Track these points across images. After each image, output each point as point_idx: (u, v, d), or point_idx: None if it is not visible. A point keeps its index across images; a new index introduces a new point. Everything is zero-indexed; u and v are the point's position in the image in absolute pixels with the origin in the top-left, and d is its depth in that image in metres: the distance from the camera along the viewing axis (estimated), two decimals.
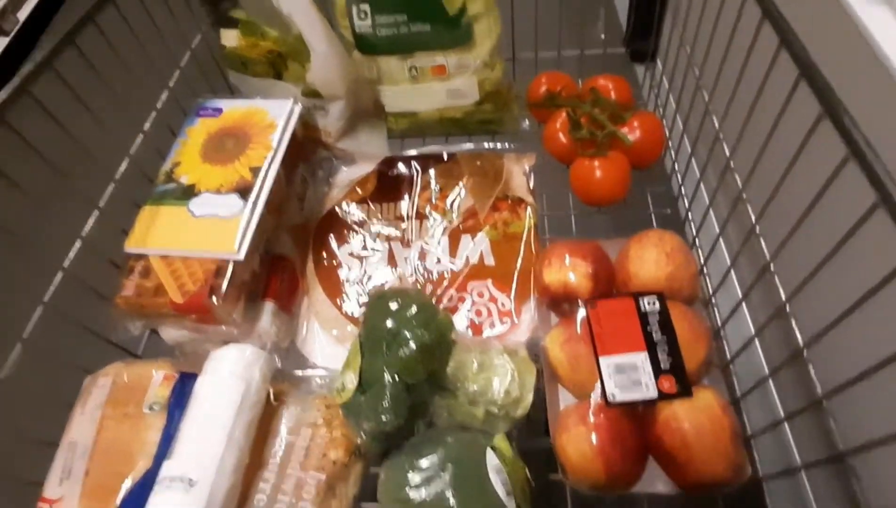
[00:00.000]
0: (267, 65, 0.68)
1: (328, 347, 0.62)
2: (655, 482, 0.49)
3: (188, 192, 0.60)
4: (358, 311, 0.63)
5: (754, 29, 0.44)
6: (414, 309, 0.50)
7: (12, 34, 2.47)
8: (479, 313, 0.61)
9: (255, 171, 0.60)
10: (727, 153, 0.54)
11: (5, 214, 0.48)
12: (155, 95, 0.67)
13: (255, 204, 0.58)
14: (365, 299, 0.63)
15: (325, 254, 0.67)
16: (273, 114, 0.64)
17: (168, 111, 0.68)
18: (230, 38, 0.69)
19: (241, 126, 0.64)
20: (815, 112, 0.33)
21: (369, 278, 0.64)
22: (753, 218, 0.49)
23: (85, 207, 0.58)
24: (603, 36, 0.78)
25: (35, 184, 0.50)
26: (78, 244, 0.56)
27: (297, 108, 0.65)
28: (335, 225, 0.69)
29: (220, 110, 0.66)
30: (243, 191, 0.59)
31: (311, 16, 0.59)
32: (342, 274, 0.65)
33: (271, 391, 0.54)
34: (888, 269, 0.29)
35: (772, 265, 0.46)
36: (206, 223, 0.58)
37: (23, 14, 2.58)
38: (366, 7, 0.65)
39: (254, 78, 0.70)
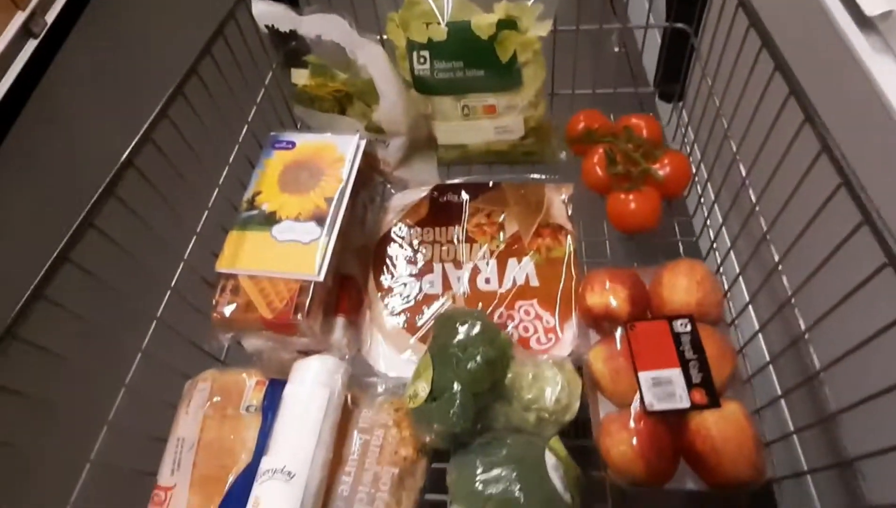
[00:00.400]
0: (333, 101, 0.76)
1: (390, 356, 0.69)
2: (686, 479, 0.57)
3: (270, 219, 0.68)
4: (415, 324, 0.70)
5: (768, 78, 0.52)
6: (479, 327, 0.58)
7: (41, 36, 2.56)
8: (525, 329, 0.68)
9: (328, 201, 0.68)
10: (752, 197, 0.62)
11: (130, 242, 0.56)
12: (236, 129, 0.75)
13: (330, 231, 0.66)
14: (422, 314, 0.71)
15: (384, 273, 0.74)
16: (341, 149, 0.72)
17: (245, 144, 0.75)
18: (300, 77, 0.76)
19: (314, 159, 0.71)
20: (833, 181, 0.41)
21: (425, 295, 0.72)
22: (776, 257, 0.56)
23: (186, 233, 0.66)
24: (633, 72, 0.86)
25: (152, 215, 0.58)
26: (181, 266, 0.64)
27: (363, 143, 0.72)
28: (392, 246, 0.76)
29: (293, 143, 0.73)
30: (319, 219, 0.67)
31: (385, 70, 0.67)
32: (400, 291, 0.73)
33: (349, 396, 0.62)
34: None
35: (792, 299, 0.54)
36: (288, 247, 0.66)
37: (50, 16, 2.66)
38: (425, 53, 0.72)
39: (320, 113, 0.78)
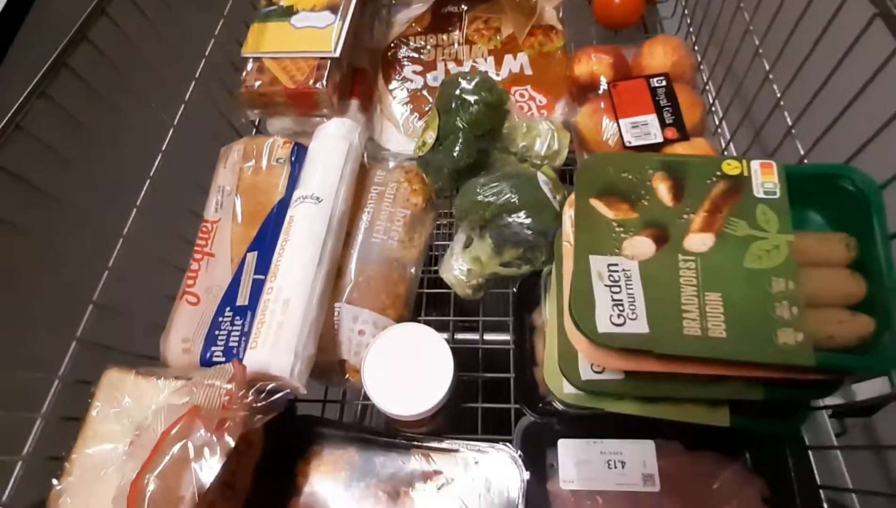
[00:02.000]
0: None
1: (398, 138, 0.78)
2: None
3: (288, 11, 0.75)
4: (421, 110, 0.78)
5: None
6: (479, 78, 0.65)
7: None
8: (521, 108, 0.76)
9: None
10: None
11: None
12: None
13: (343, 16, 0.73)
14: (428, 103, 0.78)
15: (392, 73, 0.82)
16: None
17: None
18: None
19: None
20: None
21: (428, 87, 0.80)
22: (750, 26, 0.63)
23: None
24: None
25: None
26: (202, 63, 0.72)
27: None
28: (399, 50, 0.83)
29: None
30: (333, 8, 0.74)
31: None
32: (407, 85, 0.80)
33: (365, 155, 0.70)
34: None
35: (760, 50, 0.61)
36: (306, 32, 0.73)
37: None
38: None
39: None
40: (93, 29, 0.56)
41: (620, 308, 0.38)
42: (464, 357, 0.61)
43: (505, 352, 0.66)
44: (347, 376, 0.62)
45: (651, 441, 0.55)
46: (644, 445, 0.55)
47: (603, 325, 0.37)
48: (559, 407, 0.54)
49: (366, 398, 0.70)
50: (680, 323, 0.37)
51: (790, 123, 0.53)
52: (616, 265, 0.39)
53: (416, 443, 0.57)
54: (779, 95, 0.55)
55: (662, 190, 0.42)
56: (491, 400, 0.64)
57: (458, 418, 0.63)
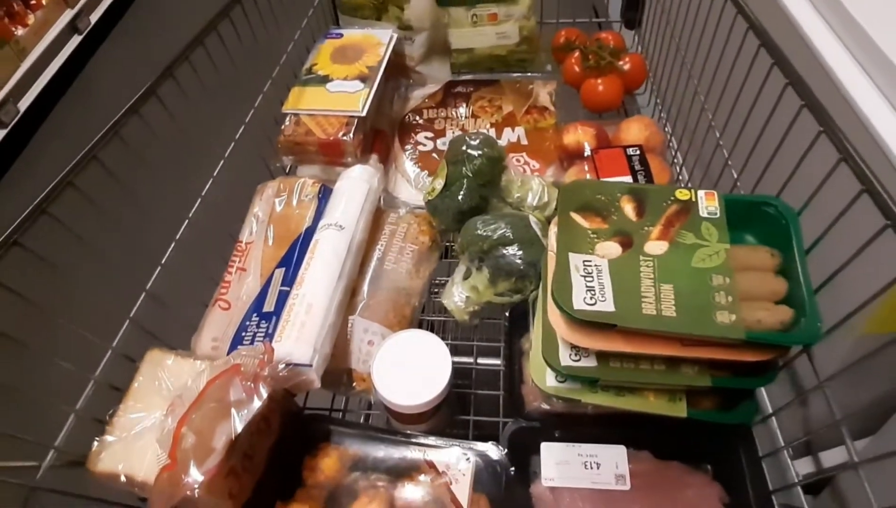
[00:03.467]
0: (372, 9, 0.98)
1: (410, 191, 0.89)
2: None
3: (324, 79, 0.89)
4: (431, 168, 0.90)
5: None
6: (482, 137, 0.78)
7: (85, 33, 2.84)
8: (517, 171, 0.89)
9: (370, 68, 0.89)
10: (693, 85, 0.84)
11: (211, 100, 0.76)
12: (294, 32, 0.97)
13: (371, 84, 0.87)
14: (438, 163, 0.91)
15: (407, 137, 0.95)
16: (379, 37, 0.94)
17: (301, 42, 0.97)
18: None
19: (358, 43, 0.93)
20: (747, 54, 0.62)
21: (438, 151, 0.92)
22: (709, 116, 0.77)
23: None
24: (608, 8, 1.09)
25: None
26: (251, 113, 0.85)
27: (395, 35, 0.94)
28: (414, 119, 0.97)
29: (341, 34, 0.95)
30: (363, 78, 0.88)
31: None
32: (419, 148, 0.93)
33: (381, 199, 0.81)
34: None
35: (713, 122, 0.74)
36: (338, 95, 0.86)
37: (95, 16, 2.96)
38: None
39: (361, 20, 1.00)
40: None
41: (592, 292, 0.47)
42: (459, 376, 0.69)
43: (495, 373, 0.74)
44: (355, 384, 0.70)
45: (623, 447, 0.62)
46: (617, 449, 0.62)
47: (578, 304, 0.46)
48: (544, 407, 0.61)
49: (368, 408, 0.78)
50: (639, 305, 0.46)
51: (735, 176, 0.66)
52: (590, 261, 0.49)
53: (414, 440, 0.63)
54: (727, 156, 0.68)
55: (628, 208, 0.53)
56: (482, 415, 0.71)
57: (452, 427, 0.70)
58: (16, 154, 2.34)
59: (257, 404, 0.47)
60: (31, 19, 2.44)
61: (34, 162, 2.31)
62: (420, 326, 0.78)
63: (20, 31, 2.36)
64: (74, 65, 2.69)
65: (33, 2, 2.47)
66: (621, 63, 0.95)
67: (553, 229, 0.55)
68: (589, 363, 0.52)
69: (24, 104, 2.34)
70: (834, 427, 0.47)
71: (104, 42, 2.83)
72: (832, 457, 0.77)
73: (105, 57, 2.78)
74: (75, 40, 2.69)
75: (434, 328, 0.83)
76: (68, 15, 2.63)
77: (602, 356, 0.51)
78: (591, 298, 0.47)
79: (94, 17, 2.77)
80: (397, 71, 1.02)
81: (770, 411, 0.59)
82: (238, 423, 0.48)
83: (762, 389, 0.63)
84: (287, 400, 0.64)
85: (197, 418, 0.49)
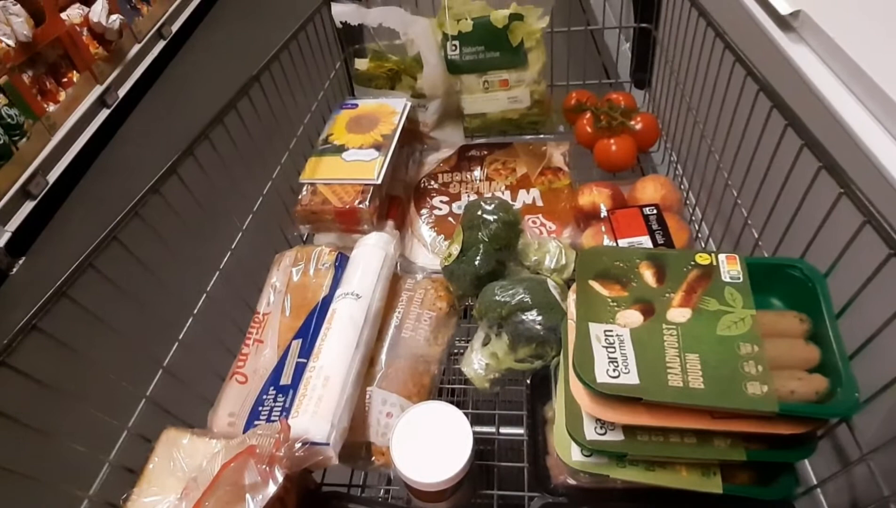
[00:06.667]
0: (385, 79, 1.01)
1: (427, 255, 0.89)
2: None
3: (340, 149, 0.90)
4: (446, 232, 0.90)
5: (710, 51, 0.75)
6: (498, 201, 0.78)
7: (113, 106, 2.98)
8: (532, 233, 0.88)
9: (384, 136, 0.91)
10: (707, 145, 0.84)
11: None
12: (311, 103, 1.00)
13: (386, 153, 0.88)
14: (453, 226, 0.91)
15: (422, 202, 0.96)
16: (394, 106, 0.96)
17: (317, 112, 1.00)
18: (361, 64, 1.02)
19: (373, 112, 0.95)
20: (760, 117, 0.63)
21: (454, 215, 0.93)
22: (725, 175, 0.77)
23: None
24: (617, 69, 1.11)
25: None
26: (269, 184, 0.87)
27: (409, 104, 0.97)
28: (429, 184, 0.98)
29: (356, 105, 0.98)
30: (378, 147, 0.89)
31: (430, 39, 0.92)
32: (435, 212, 0.94)
33: (398, 265, 0.81)
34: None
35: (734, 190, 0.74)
36: (354, 164, 0.88)
37: (122, 90, 3.12)
38: (456, 42, 0.98)
39: (375, 90, 1.03)
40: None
41: (615, 364, 0.45)
42: (481, 446, 0.67)
43: (519, 443, 0.71)
44: (374, 458, 0.68)
45: None
46: None
47: (601, 377, 0.45)
48: (570, 481, 0.59)
49: (388, 483, 0.75)
50: (665, 377, 0.44)
51: (756, 236, 0.64)
52: (611, 331, 0.47)
53: None
54: (746, 215, 0.67)
55: (648, 275, 0.51)
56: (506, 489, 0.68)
57: (475, 505, 0.67)
58: (45, 222, 2.42)
59: (272, 488, 0.46)
60: (62, 96, 2.57)
61: (62, 231, 2.39)
62: (440, 393, 0.76)
63: (51, 108, 2.48)
64: (102, 137, 2.82)
65: (65, 80, 2.60)
66: (633, 123, 0.96)
67: (571, 297, 0.54)
68: (615, 437, 0.49)
69: (52, 176, 2.44)
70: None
71: (130, 115, 2.98)
72: None
73: (130, 129, 2.91)
74: (103, 114, 2.82)
75: (455, 395, 0.81)
76: (98, 91, 2.78)
77: (629, 429, 0.49)
78: (614, 370, 0.45)
79: (122, 91, 2.92)
80: (412, 137, 1.03)
81: (814, 482, 0.56)
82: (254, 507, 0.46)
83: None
84: (304, 476, 0.62)
85: (211, 503, 0.47)
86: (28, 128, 2.32)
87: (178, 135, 0.67)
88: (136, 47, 3.05)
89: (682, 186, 0.94)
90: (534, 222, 0.90)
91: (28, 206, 2.31)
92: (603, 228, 0.81)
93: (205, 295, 0.74)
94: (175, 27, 3.42)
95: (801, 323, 0.47)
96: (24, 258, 2.25)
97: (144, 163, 2.57)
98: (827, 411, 0.43)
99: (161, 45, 3.26)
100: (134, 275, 0.63)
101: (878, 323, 0.45)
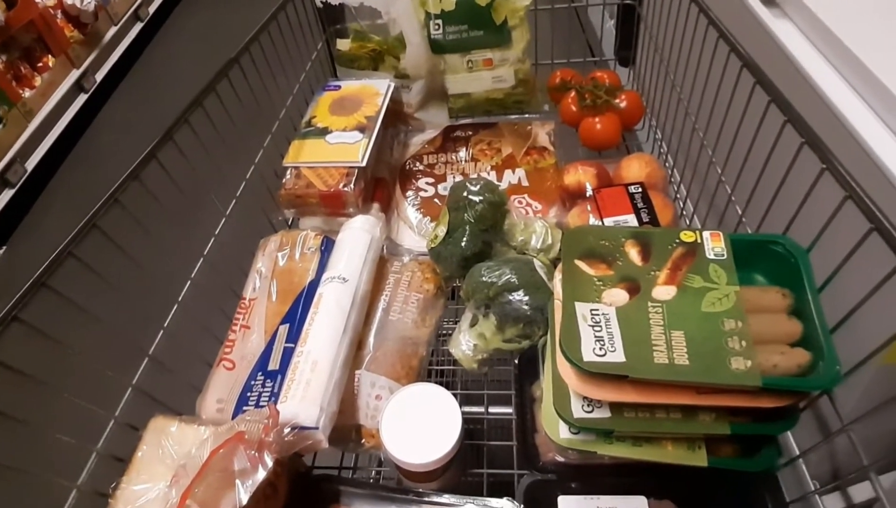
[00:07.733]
0: (368, 60, 1.00)
1: (413, 237, 0.89)
2: None
3: (323, 131, 0.89)
4: (432, 213, 0.90)
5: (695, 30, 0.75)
6: (483, 182, 0.78)
7: (91, 91, 2.93)
8: (518, 213, 0.88)
9: (368, 118, 0.90)
10: (690, 121, 0.84)
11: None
12: (292, 85, 0.98)
13: (370, 134, 0.87)
14: (439, 207, 0.90)
15: (407, 183, 0.95)
16: (377, 87, 0.95)
17: (300, 95, 0.98)
18: (343, 44, 1.01)
19: (356, 94, 0.94)
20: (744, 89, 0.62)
21: (440, 196, 0.92)
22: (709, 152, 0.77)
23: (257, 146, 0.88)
24: (602, 47, 1.10)
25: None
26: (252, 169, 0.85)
27: (392, 84, 0.95)
28: (414, 165, 0.97)
29: (339, 86, 0.97)
30: (361, 129, 0.88)
31: (412, 19, 0.91)
32: (420, 194, 0.93)
33: (384, 248, 0.81)
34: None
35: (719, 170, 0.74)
36: (338, 147, 0.87)
37: (100, 75, 3.06)
38: (439, 21, 0.97)
39: (358, 71, 1.02)
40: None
41: (601, 342, 0.46)
42: (471, 426, 0.67)
43: (508, 422, 0.72)
44: (364, 441, 0.68)
45: (643, 497, 0.60)
46: (637, 500, 0.59)
47: (588, 355, 0.45)
48: (559, 458, 0.60)
49: (379, 465, 0.76)
50: (651, 354, 0.45)
51: (740, 213, 0.65)
52: (597, 310, 0.48)
53: (426, 498, 0.61)
54: (730, 192, 0.67)
55: (633, 253, 0.52)
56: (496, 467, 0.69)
57: (465, 483, 0.68)
58: (24, 211, 2.38)
59: (262, 474, 0.46)
60: (38, 81, 2.51)
61: (42, 219, 2.35)
62: (429, 375, 0.76)
63: (27, 93, 2.43)
64: (80, 123, 2.76)
65: (40, 64, 2.54)
66: (617, 101, 0.96)
67: (557, 277, 0.54)
68: (602, 414, 0.50)
69: (31, 163, 2.39)
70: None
71: (108, 100, 2.92)
72: (860, 492, 0.74)
73: (109, 115, 2.85)
74: (81, 99, 2.77)
75: (444, 376, 0.82)
76: (74, 75, 2.72)
77: (616, 406, 0.49)
78: (600, 349, 0.46)
79: (100, 76, 2.86)
80: (396, 118, 1.02)
81: (797, 452, 0.57)
82: (243, 494, 0.46)
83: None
84: (294, 460, 0.62)
85: (201, 490, 0.47)
86: (4, 115, 2.27)
87: (158, 120, 0.65)
88: (113, 30, 2.98)
89: (667, 164, 0.94)
90: (519, 202, 0.90)
91: (7, 195, 2.27)
92: (588, 207, 0.81)
93: (189, 281, 0.74)
94: (152, 8, 3.34)
95: (783, 298, 0.48)
96: (4, 248, 2.22)
97: (124, 149, 2.53)
98: (809, 384, 0.44)
99: (138, 27, 3.19)
100: (117, 264, 0.62)
101: (858, 297, 0.46)
